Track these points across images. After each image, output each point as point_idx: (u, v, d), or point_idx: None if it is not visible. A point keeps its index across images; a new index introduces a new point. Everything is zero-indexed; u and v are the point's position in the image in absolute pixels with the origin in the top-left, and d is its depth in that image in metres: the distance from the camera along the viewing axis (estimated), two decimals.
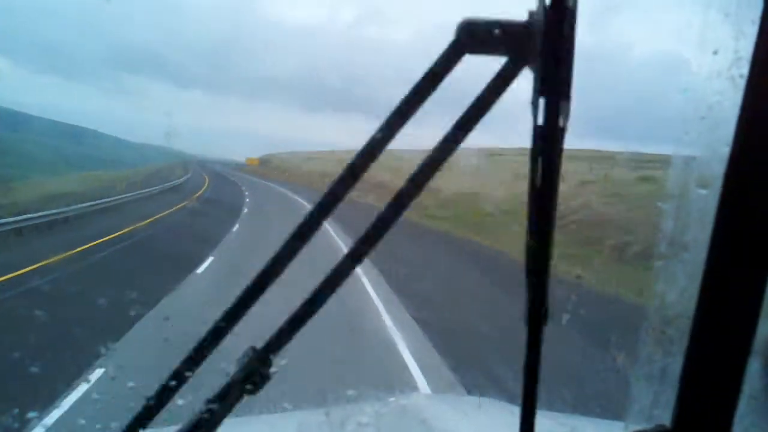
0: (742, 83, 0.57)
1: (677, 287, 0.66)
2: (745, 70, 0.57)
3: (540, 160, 0.59)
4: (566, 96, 0.57)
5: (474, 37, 0.63)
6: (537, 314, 0.65)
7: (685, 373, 0.61)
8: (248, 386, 0.76)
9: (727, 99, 0.59)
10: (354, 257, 0.71)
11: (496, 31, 0.62)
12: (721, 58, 0.60)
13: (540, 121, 0.58)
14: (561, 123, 0.58)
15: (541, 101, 0.57)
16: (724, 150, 0.57)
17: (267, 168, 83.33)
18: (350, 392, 3.68)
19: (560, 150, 0.59)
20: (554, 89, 0.57)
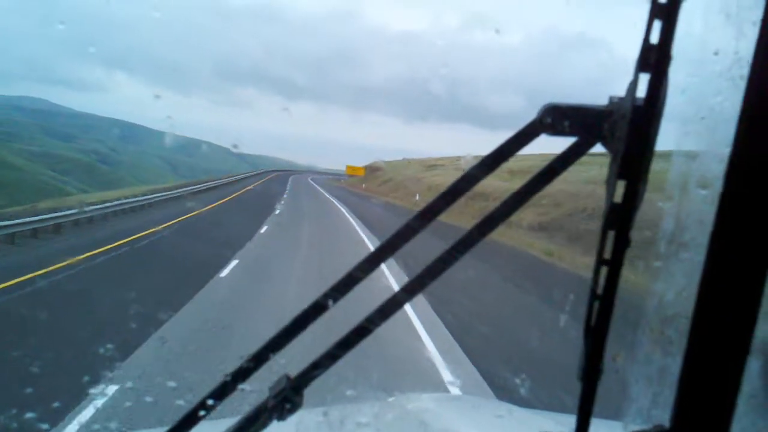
0: (742, 84, 0.57)
1: (676, 287, 0.66)
2: (745, 71, 0.57)
3: (612, 234, 0.61)
4: (645, 179, 0.60)
5: (555, 120, 0.66)
6: (594, 369, 0.66)
7: (684, 373, 0.61)
8: (278, 413, 0.77)
9: (727, 100, 0.59)
10: (404, 293, 0.75)
11: (577, 116, 0.65)
12: (722, 58, 0.60)
13: (617, 199, 0.60)
14: (636, 203, 0.60)
15: (620, 182, 0.60)
16: (725, 151, 0.57)
17: (373, 181, 55.48)
18: (349, 392, 3.66)
19: (631, 226, 0.61)
20: (635, 174, 0.60)
